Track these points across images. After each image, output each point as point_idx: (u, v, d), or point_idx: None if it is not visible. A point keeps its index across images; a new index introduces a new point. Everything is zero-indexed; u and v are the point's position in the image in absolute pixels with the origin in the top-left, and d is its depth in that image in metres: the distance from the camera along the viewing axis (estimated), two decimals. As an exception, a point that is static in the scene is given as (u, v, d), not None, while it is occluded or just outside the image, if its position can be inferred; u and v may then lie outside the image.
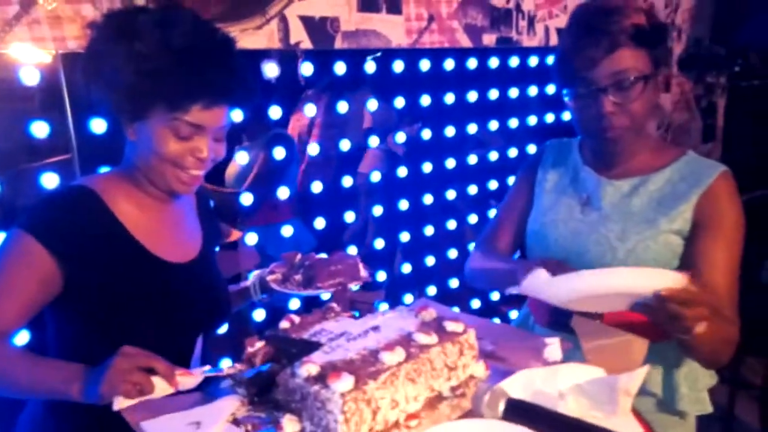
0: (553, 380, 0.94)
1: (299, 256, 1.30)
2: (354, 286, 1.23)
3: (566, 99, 1.21)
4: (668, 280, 0.89)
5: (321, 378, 0.82)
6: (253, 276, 1.34)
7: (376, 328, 1.01)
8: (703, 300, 0.92)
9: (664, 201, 1.18)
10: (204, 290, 1.18)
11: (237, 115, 1.80)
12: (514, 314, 2.33)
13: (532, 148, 2.55)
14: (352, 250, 2.13)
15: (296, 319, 1.08)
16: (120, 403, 0.89)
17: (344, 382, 0.79)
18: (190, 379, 0.95)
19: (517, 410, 0.86)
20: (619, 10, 1.12)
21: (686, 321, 0.92)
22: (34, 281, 1.00)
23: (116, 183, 1.10)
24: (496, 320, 2.30)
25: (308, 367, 0.83)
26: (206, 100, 1.02)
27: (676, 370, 1.20)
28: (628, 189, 1.22)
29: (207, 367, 0.99)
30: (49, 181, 1.40)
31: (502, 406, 0.86)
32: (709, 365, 1.16)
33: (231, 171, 2.26)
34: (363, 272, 1.26)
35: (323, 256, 1.27)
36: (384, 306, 2.14)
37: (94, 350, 0.96)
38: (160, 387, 0.91)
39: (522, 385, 0.95)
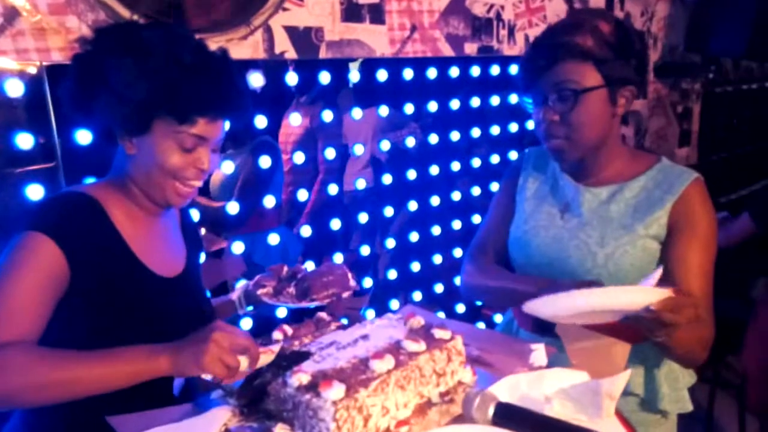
0: (539, 385, 0.97)
1: (286, 268, 1.32)
2: (348, 295, 1.27)
3: (527, 109, 1.26)
4: (657, 294, 0.93)
5: (312, 387, 0.83)
6: (238, 289, 1.33)
7: (365, 337, 1.02)
8: (689, 303, 0.96)
9: (640, 207, 1.21)
10: (189, 305, 1.17)
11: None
12: (498, 318, 2.36)
13: (513, 155, 2.59)
14: (338, 257, 2.14)
15: (289, 330, 1.09)
16: (206, 376, 0.90)
17: (336, 391, 0.80)
18: (268, 357, 0.95)
19: (506, 414, 0.88)
20: (571, 27, 1.16)
21: (677, 327, 0.95)
22: (50, 281, 0.99)
23: (111, 193, 1.11)
24: (481, 325, 2.33)
25: (299, 377, 0.85)
26: (212, 113, 1.06)
27: (656, 370, 1.23)
28: (606, 196, 1.25)
29: (279, 339, 1.04)
30: (34, 192, 1.39)
31: (491, 410, 0.88)
32: (685, 364, 1.21)
33: (216, 179, 2.26)
34: (352, 281, 1.28)
35: (309, 265, 1.29)
36: (370, 312, 2.15)
37: None
38: (243, 365, 0.91)
39: (509, 390, 0.97)
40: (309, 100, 2.53)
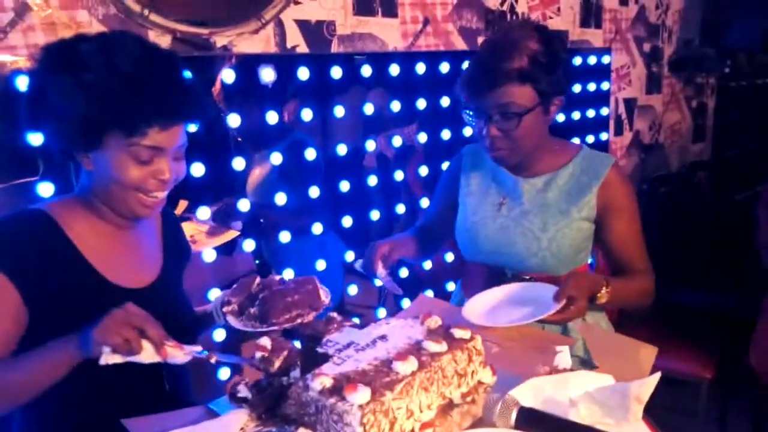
0: (563, 388, 0.94)
1: (258, 281, 1.19)
2: (313, 316, 1.14)
3: (464, 115, 1.36)
4: (552, 289, 1.18)
5: (336, 390, 0.81)
6: (215, 300, 1.24)
7: (383, 337, 1.00)
8: (586, 279, 1.24)
9: (572, 192, 1.38)
10: (162, 315, 1.04)
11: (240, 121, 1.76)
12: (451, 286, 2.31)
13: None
14: (350, 255, 2.11)
15: (268, 346, 1.01)
16: (107, 358, 0.89)
17: (361, 394, 0.78)
18: (178, 352, 0.95)
19: (529, 419, 0.85)
20: (508, 51, 1.27)
21: (582, 301, 1.18)
22: (7, 317, 0.99)
23: (72, 208, 1.08)
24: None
25: (322, 380, 0.82)
26: (162, 122, 1.00)
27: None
28: (542, 185, 1.40)
29: (198, 348, 0.98)
30: (45, 190, 1.37)
31: (514, 416, 0.86)
32: (636, 311, 1.44)
33: (252, 181, 2.08)
34: (324, 298, 1.17)
35: (287, 275, 1.16)
36: (382, 311, 2.13)
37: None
38: (148, 352, 0.92)
39: (532, 393, 0.94)
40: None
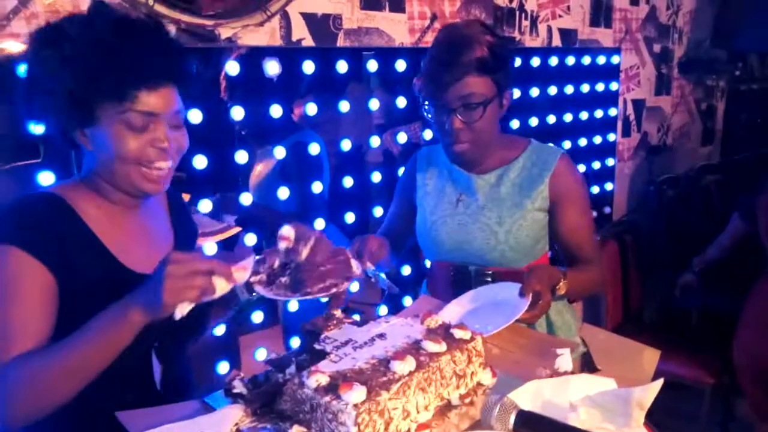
0: (563, 391, 0.93)
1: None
2: (346, 286, 1.12)
3: (425, 114, 1.40)
4: (513, 287, 1.22)
5: (332, 388, 0.80)
6: None
7: (381, 336, 0.99)
8: (545, 272, 1.27)
9: (524, 185, 1.42)
10: None
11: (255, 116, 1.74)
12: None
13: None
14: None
15: (291, 234, 1.00)
16: (181, 309, 0.87)
17: (357, 393, 0.77)
18: (244, 273, 0.93)
19: (528, 422, 0.84)
20: (466, 42, 1.32)
21: (547, 294, 1.20)
22: (39, 291, 0.96)
23: (80, 191, 1.06)
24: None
25: (317, 377, 0.81)
26: (148, 82, 0.99)
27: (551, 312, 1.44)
28: (495, 180, 1.45)
29: (254, 257, 0.97)
30: (45, 179, 1.36)
31: (512, 419, 0.84)
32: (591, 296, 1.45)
33: (255, 177, 2.03)
34: (356, 269, 1.15)
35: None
36: (383, 309, 2.12)
37: None
38: (221, 286, 0.90)
39: (531, 396, 0.93)
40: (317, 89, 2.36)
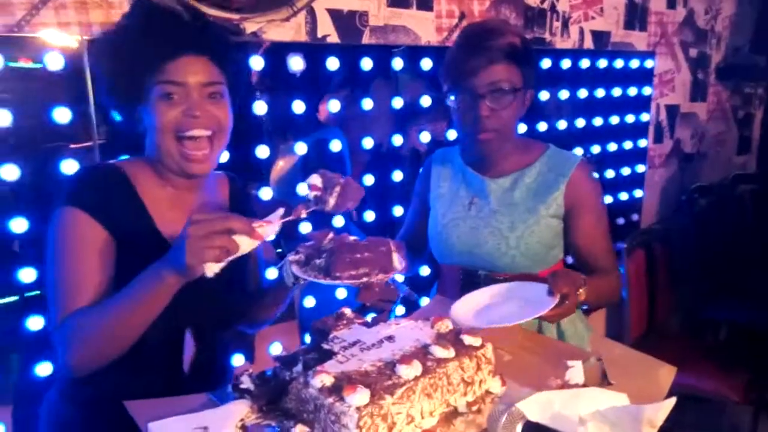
0: (573, 404, 0.90)
1: (330, 236, 1.11)
2: (383, 279, 1.05)
3: (450, 103, 1.38)
4: (540, 287, 1.18)
5: (336, 389, 0.79)
6: (283, 261, 1.16)
7: (390, 338, 0.98)
8: (571, 276, 1.21)
9: (539, 191, 1.40)
10: (224, 285, 1.06)
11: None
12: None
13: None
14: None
15: (319, 182, 1.01)
16: (211, 270, 0.88)
17: (360, 396, 0.76)
18: (269, 228, 0.94)
19: (535, 434, 0.82)
20: (498, 30, 1.32)
21: (574, 297, 1.17)
22: (96, 249, 1.04)
23: (141, 168, 1.13)
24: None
25: (322, 378, 0.81)
26: (171, 53, 1.05)
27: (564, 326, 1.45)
28: (509, 184, 1.42)
29: (281, 211, 0.98)
30: (70, 167, 1.38)
31: (519, 430, 0.82)
32: (609, 306, 1.42)
33: (276, 173, 2.08)
34: (397, 263, 1.07)
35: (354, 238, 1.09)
36: (400, 309, 2.10)
37: None
38: (245, 243, 0.91)
39: (540, 407, 0.90)
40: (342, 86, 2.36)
